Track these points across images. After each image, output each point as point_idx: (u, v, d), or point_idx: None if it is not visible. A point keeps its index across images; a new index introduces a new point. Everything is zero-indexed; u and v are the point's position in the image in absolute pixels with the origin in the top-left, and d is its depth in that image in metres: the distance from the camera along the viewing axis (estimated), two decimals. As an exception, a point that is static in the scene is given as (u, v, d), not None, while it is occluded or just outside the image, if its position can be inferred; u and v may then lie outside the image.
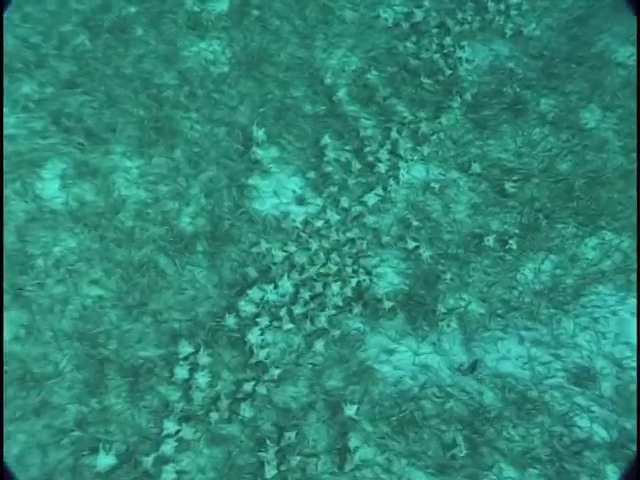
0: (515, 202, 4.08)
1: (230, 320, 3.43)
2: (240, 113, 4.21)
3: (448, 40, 4.69)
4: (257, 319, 3.48)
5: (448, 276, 3.75)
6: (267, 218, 3.87)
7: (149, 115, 3.98)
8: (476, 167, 4.15)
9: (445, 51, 4.68)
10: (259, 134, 4.09)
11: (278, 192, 3.98)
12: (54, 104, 3.93)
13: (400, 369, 3.42)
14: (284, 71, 4.42)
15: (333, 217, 3.90)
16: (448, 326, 3.57)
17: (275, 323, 3.50)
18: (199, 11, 4.49)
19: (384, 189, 4.03)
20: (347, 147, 4.18)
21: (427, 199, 4.04)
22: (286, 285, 3.62)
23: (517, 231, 3.97)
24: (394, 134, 4.23)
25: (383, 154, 4.14)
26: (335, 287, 3.64)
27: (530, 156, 4.26)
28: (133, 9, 4.31)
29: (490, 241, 3.89)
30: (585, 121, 4.42)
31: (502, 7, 4.95)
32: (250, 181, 3.98)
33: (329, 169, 4.05)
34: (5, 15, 4.48)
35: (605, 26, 4.91)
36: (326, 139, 4.13)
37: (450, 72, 4.56)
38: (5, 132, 3.76)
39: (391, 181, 4.04)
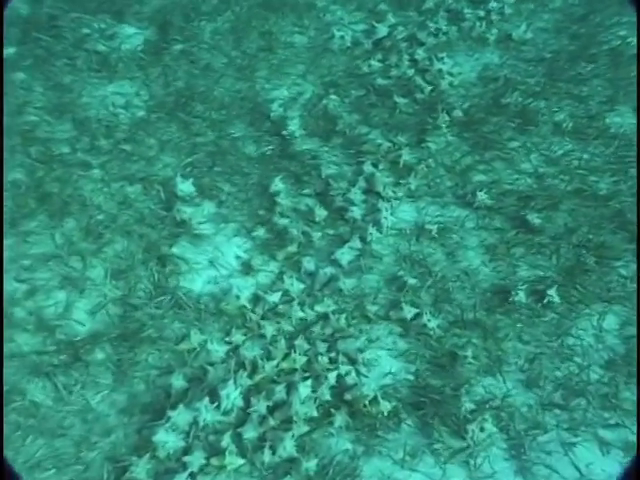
0: (545, 237, 2.95)
1: (141, 468, 2.17)
2: (160, 165, 3.16)
3: (421, 53, 3.75)
4: (185, 458, 2.23)
5: (469, 352, 2.55)
6: (201, 299, 2.71)
7: (29, 180, 2.93)
8: (483, 198, 3.05)
9: (420, 66, 3.72)
10: (185, 187, 3.02)
11: (215, 261, 2.85)
12: None
13: (419, 513, 2.14)
14: (218, 109, 3.42)
15: (294, 286, 2.75)
16: (482, 430, 2.32)
17: (215, 460, 2.24)
18: (105, 50, 3.56)
19: (362, 240, 2.90)
20: (306, 191, 3.09)
21: (423, 247, 2.91)
22: (231, 395, 2.40)
23: (556, 276, 2.81)
24: (368, 168, 3.16)
25: (356, 194, 3.05)
26: (304, 389, 2.42)
27: (553, 176, 3.18)
28: (12, 50, 3.36)
29: (520, 295, 2.72)
30: (616, 127, 3.39)
31: (481, 13, 4.07)
32: (175, 250, 2.85)
33: (283, 222, 2.94)
34: None
35: (611, 20, 4.02)
36: (277, 184, 3.06)
37: (430, 88, 3.57)
38: None
39: (371, 228, 2.92)
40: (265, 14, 3.97)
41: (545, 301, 2.71)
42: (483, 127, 3.38)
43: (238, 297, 2.70)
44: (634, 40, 3.85)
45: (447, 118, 3.39)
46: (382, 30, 3.89)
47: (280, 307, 2.70)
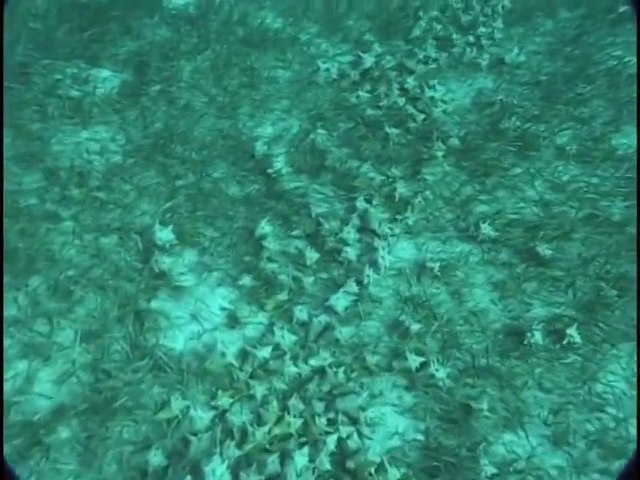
0: (558, 270, 2.69)
1: None
2: (138, 212, 2.92)
3: (411, 82, 3.57)
4: None
5: (484, 405, 2.27)
6: (183, 358, 2.44)
7: (-6, 234, 2.70)
8: (487, 230, 2.81)
9: (411, 94, 3.54)
10: (165, 235, 2.78)
11: (198, 314, 2.58)
12: None
13: None
14: (198, 149, 3.21)
15: (286, 339, 2.48)
16: (507, 499, 2.02)
17: None
18: (79, 95, 3.37)
19: (359, 283, 2.64)
20: (295, 232, 2.85)
21: (426, 288, 2.65)
22: (217, 471, 2.10)
23: (574, 313, 2.54)
24: (361, 204, 2.93)
25: (350, 233, 2.81)
26: (301, 458, 2.13)
27: (561, 203, 2.95)
28: (-18, 103, 3.19)
29: (537, 336, 2.46)
30: (624, 148, 3.18)
31: (471, 39, 3.92)
32: (153, 304, 2.59)
33: (272, 267, 2.69)
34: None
35: (605, 41, 3.86)
36: (264, 227, 2.82)
37: (423, 117, 3.38)
38: None
39: (367, 270, 2.66)
40: (246, 50, 3.81)
41: (565, 342, 2.44)
42: (482, 154, 3.16)
43: (224, 354, 2.42)
44: (632, 59, 3.69)
45: (443, 147, 3.18)
46: (369, 60, 3.72)
47: (271, 363, 2.42)
